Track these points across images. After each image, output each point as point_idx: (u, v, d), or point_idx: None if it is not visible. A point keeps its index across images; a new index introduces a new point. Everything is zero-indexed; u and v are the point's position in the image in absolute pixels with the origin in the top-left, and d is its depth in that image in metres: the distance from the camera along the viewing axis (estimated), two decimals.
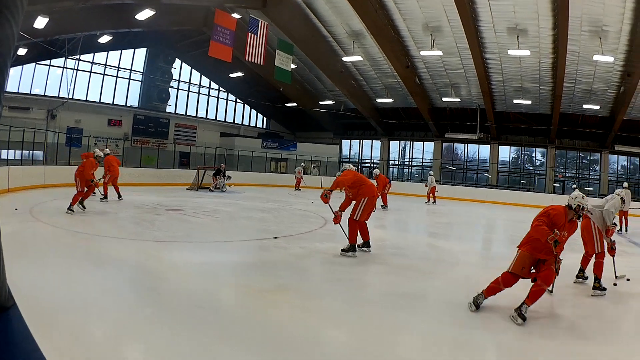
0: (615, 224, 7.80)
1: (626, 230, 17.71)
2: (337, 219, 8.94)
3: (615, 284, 8.02)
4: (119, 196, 15.73)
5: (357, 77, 34.78)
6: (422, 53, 28.67)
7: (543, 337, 5.27)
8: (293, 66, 29.64)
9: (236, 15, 25.69)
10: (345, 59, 30.75)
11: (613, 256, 7.90)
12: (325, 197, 8.67)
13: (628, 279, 7.88)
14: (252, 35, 25.20)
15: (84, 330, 4.41)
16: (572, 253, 9.93)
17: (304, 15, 27.93)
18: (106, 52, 32.25)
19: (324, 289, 6.68)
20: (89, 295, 5.38)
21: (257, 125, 45.55)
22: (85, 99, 32.05)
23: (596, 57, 26.68)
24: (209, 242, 9.73)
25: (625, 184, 19.44)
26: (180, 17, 28.14)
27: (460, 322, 5.51)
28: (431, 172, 31.38)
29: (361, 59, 30.62)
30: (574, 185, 36.68)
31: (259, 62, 25.64)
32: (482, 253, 11.97)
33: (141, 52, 34.79)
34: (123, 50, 33.36)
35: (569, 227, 7.06)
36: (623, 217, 17.76)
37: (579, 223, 7.45)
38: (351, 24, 27.69)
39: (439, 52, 28.08)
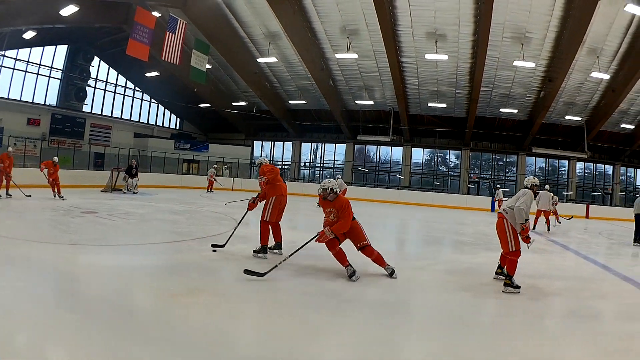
0: (527, 220, 7.96)
1: (548, 230, 18.97)
2: (251, 207, 9.22)
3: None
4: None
5: (271, 78, 35.49)
6: (338, 56, 29.37)
7: (467, 335, 5.40)
8: (208, 66, 29.92)
9: (156, 14, 25.52)
10: (261, 60, 31.30)
11: (527, 244, 8.10)
12: (254, 203, 9.11)
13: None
14: (170, 34, 25.09)
15: (1, 336, 4.39)
16: (489, 252, 11.16)
17: (223, 15, 28.26)
18: (29, 49, 31.48)
19: (236, 291, 6.67)
20: (6, 300, 5.38)
21: (171, 126, 45.69)
22: (7, 96, 31.22)
23: (517, 63, 28.09)
24: (124, 245, 9.63)
25: (547, 187, 20.76)
26: (103, 14, 27.80)
27: (378, 320, 5.62)
28: (339, 175, 32.29)
29: (276, 60, 31.41)
30: (498, 185, 38.84)
31: (175, 62, 25.67)
32: (395, 253, 11.87)
33: (62, 50, 34.20)
34: (45, 47, 32.59)
35: None
36: (546, 217, 19.46)
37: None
38: (268, 25, 28.11)
39: (355, 55, 28.80)
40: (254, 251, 8.77)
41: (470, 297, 7.29)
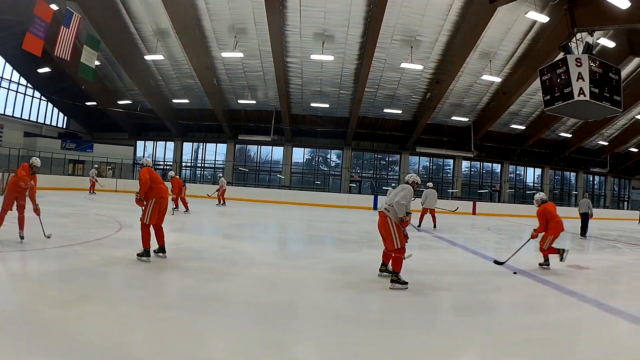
0: (409, 214, 8.29)
1: (434, 227, 20.02)
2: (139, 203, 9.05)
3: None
4: None
5: (156, 76, 36.20)
6: (224, 54, 30.25)
7: (356, 332, 5.54)
8: (97, 63, 30.32)
9: (54, 7, 25.31)
10: (148, 57, 31.89)
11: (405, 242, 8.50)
12: (141, 201, 8.95)
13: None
14: (65, 28, 24.81)
15: None
16: (373, 250, 11.38)
17: (116, 10, 28.36)
18: None
19: (124, 296, 6.71)
20: None
21: (59, 125, 44.61)
22: None
23: (404, 65, 29.83)
24: (11, 252, 9.26)
25: (430, 184, 21.85)
26: (4, 6, 27.56)
27: (264, 322, 5.79)
28: (220, 175, 32.17)
29: (163, 58, 31.86)
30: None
31: (67, 58, 25.67)
32: (277, 252, 12.39)
33: None
34: None
35: None
36: (432, 214, 20.53)
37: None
38: (159, 21, 28.71)
39: (241, 54, 29.89)
40: (138, 255, 8.81)
41: (357, 295, 7.55)
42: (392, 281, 7.95)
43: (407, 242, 8.35)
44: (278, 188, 41.88)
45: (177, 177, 21.72)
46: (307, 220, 23.01)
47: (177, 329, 5.23)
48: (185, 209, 20.50)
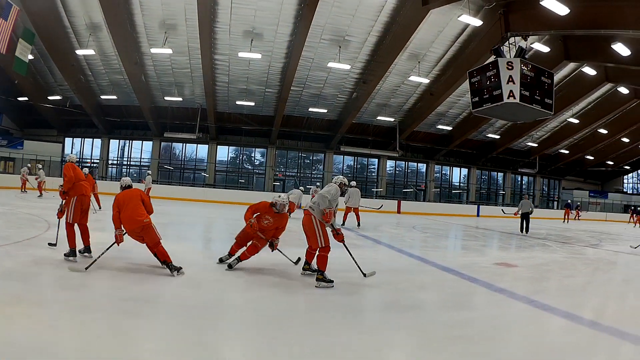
0: (331, 208, 8.73)
1: (358, 226, 20.95)
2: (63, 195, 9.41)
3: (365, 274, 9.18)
4: None
5: (86, 71, 36.50)
6: (153, 50, 30.99)
7: (283, 332, 5.77)
8: (30, 57, 29.72)
9: None
10: (79, 52, 32.09)
11: (342, 241, 9.02)
12: (64, 194, 9.28)
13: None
14: (2, 21, 24.33)
15: None
16: (296, 248, 11.51)
17: (53, 2, 28.35)
18: None
19: (54, 298, 6.82)
20: None
21: None
22: None
23: (331, 64, 31.36)
24: None
25: (354, 183, 22.61)
26: None
27: (190, 323, 5.87)
28: (149, 172, 34.36)
29: (94, 53, 32.53)
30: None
31: (2, 51, 25.03)
32: (202, 252, 12.72)
33: None
34: None
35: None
36: (355, 213, 21.55)
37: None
38: (92, 15, 28.95)
39: (170, 51, 30.68)
40: (65, 255, 8.92)
41: (282, 294, 7.87)
42: (317, 279, 8.37)
43: (342, 240, 8.91)
44: (202, 187, 43.32)
45: (90, 173, 21.68)
46: (232, 219, 22.51)
47: (104, 331, 5.36)
48: (98, 207, 20.45)
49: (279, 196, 9.50)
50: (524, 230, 24.73)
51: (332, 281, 8.30)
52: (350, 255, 9.36)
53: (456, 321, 6.90)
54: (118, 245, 8.73)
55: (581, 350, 6.06)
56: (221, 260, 9.62)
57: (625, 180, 76.66)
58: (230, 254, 9.77)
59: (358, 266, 9.08)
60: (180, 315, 6.19)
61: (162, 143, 46.25)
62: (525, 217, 25.21)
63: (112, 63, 34.36)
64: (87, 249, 9.40)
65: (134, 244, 10.38)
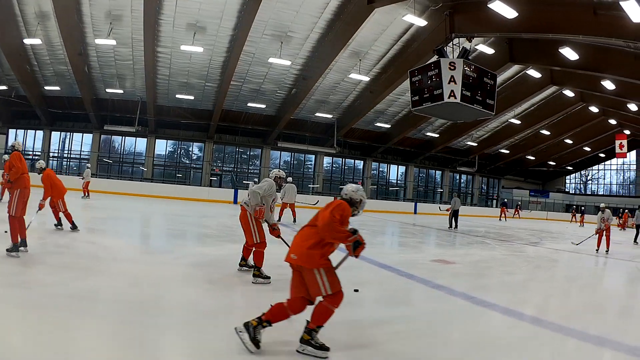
0: (263, 205, 9.02)
1: (294, 221, 22.08)
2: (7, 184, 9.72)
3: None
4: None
5: (32, 61, 36.38)
6: (97, 41, 31.12)
7: (221, 329, 5.82)
8: None
9: None
10: (27, 41, 32.10)
11: (279, 236, 9.37)
12: (9, 183, 9.52)
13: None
14: None
15: None
16: (233, 244, 12.22)
17: None
18: None
19: None
20: None
21: None
22: None
23: (272, 60, 32.56)
24: None
25: (290, 179, 24.05)
26: None
27: (129, 319, 6.03)
28: (88, 165, 34.27)
29: (40, 42, 32.20)
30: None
31: None
32: (140, 247, 12.83)
33: None
34: None
35: None
36: (291, 209, 22.79)
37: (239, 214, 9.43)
38: (42, 3, 28.88)
39: (113, 42, 30.86)
40: (7, 250, 8.97)
41: (220, 290, 8.15)
42: (254, 275, 8.73)
43: (278, 235, 9.32)
44: (140, 180, 43.86)
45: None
46: (169, 214, 24.37)
47: (44, 328, 5.38)
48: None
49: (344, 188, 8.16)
50: (453, 226, 27.63)
51: (269, 277, 8.72)
52: (287, 245, 8.79)
53: (395, 317, 7.46)
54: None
55: (524, 346, 6.51)
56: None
57: (567, 181, 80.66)
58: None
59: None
60: (119, 312, 6.39)
61: (102, 136, 46.73)
62: (455, 214, 28.14)
63: (58, 53, 34.34)
64: (23, 242, 9.43)
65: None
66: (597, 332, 7.19)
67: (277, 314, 5.37)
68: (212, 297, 7.60)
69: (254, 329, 5.15)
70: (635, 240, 27.93)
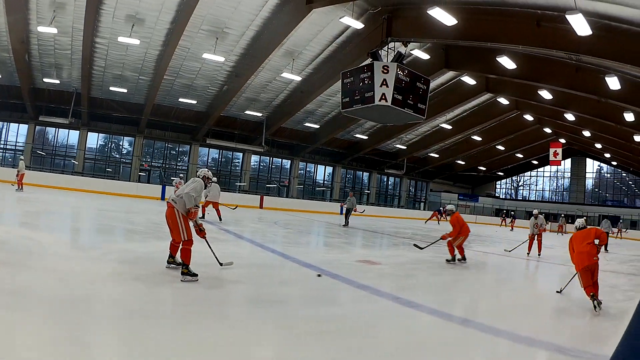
0: (197, 206, 9.53)
1: (220, 220, 23.14)
2: None
3: (221, 264, 10.29)
4: None
5: None
6: (39, 29, 31.08)
7: (150, 327, 6.15)
8: None
9: None
10: None
11: (204, 237, 9.97)
12: None
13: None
14: None
15: None
16: (160, 241, 12.75)
17: None
18: None
19: None
20: None
21: None
22: None
23: (206, 55, 33.57)
24: None
25: (215, 178, 22.10)
26: None
27: (59, 317, 6.14)
28: (22, 157, 34.93)
29: None
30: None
31: None
32: (69, 243, 12.91)
33: None
34: None
35: None
36: (215, 207, 23.87)
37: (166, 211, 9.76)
38: None
39: (55, 30, 30.94)
40: None
41: (149, 288, 8.37)
42: (182, 273, 9.04)
43: (204, 236, 9.88)
44: (71, 174, 43.91)
45: None
46: (99, 209, 24.63)
47: None
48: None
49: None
50: (346, 223, 30.22)
51: (197, 275, 9.08)
52: (209, 247, 10.31)
53: (321, 316, 7.76)
54: None
55: (454, 346, 6.91)
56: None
57: (497, 186, 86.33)
58: None
59: (215, 257, 10.15)
60: (50, 308, 6.45)
61: (37, 127, 46.82)
62: (349, 212, 30.75)
63: (2, 40, 33.96)
64: None
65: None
66: (529, 333, 7.72)
67: None
68: (142, 294, 7.91)
69: None
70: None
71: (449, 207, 16.95)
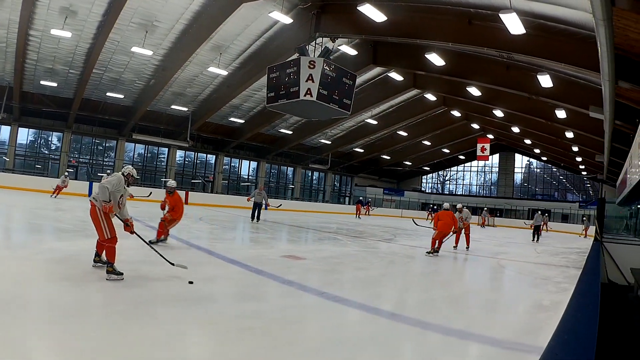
0: (110, 201, 9.58)
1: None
2: None
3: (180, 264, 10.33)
4: None
5: None
6: None
7: (79, 327, 6.25)
8: None
9: None
10: None
11: (132, 232, 10.24)
12: None
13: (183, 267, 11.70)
14: None
15: None
16: (87, 239, 12.74)
17: None
18: None
19: None
20: None
21: None
22: None
23: (135, 49, 33.73)
24: None
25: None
26: None
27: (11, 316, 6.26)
28: None
29: None
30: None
31: None
32: (3, 243, 13.16)
33: None
34: None
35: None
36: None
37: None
38: None
39: None
40: None
41: (74, 287, 8.46)
42: (108, 272, 9.12)
43: (131, 231, 10.09)
44: (3, 171, 43.88)
45: None
46: (27, 206, 24.81)
47: None
48: None
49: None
50: (257, 219, 30.52)
51: (122, 273, 9.19)
52: (152, 248, 10.76)
53: (248, 313, 7.88)
54: None
55: (383, 340, 7.08)
56: None
57: (424, 180, 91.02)
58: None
59: (162, 256, 10.27)
60: None
61: None
62: (257, 206, 30.80)
63: None
64: None
65: None
66: (460, 326, 8.10)
67: None
68: (71, 293, 7.94)
69: None
70: (535, 239, 34.65)
71: (444, 205, 19.78)
